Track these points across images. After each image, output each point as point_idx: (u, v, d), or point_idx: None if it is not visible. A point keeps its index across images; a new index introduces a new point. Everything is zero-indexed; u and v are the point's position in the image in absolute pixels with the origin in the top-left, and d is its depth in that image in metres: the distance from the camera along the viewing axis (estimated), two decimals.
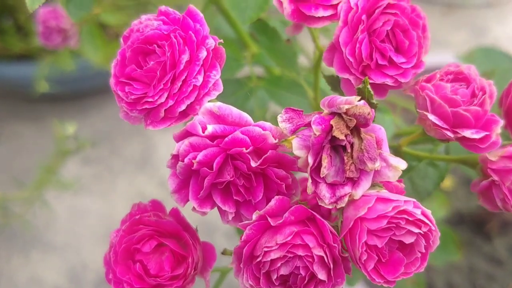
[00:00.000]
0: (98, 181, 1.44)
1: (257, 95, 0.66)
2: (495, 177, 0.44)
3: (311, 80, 0.66)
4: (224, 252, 0.48)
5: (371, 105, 0.40)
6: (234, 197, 0.40)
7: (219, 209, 0.41)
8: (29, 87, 1.32)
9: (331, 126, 0.37)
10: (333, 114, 0.38)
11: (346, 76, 0.43)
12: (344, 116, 0.37)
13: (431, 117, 0.41)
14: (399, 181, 0.43)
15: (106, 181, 1.45)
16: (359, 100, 0.37)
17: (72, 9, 0.55)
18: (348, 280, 0.71)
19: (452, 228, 1.15)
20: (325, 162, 0.37)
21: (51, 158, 1.31)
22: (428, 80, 0.43)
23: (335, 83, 0.47)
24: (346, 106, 0.37)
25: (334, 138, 0.37)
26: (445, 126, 0.41)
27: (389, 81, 0.43)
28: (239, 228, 0.41)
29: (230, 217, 0.40)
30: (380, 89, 0.44)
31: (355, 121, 0.37)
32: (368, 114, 0.37)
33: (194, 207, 0.40)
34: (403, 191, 0.42)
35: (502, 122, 0.42)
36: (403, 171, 0.49)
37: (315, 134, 0.36)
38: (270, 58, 0.60)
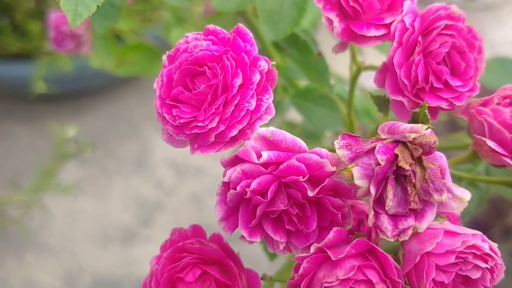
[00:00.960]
0: (93, 182, 1.42)
1: (284, 106, 0.64)
2: None
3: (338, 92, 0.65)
4: (263, 278, 0.46)
5: (427, 129, 0.39)
6: (286, 227, 0.38)
7: (268, 238, 0.39)
8: (25, 87, 1.29)
9: (396, 156, 0.35)
10: (396, 142, 0.36)
11: (399, 98, 0.42)
12: (409, 145, 0.35)
13: (490, 143, 0.40)
14: None
15: (101, 182, 1.43)
16: (426, 129, 0.35)
17: (97, 19, 0.52)
18: None
19: None
20: (390, 194, 0.35)
21: (50, 161, 1.29)
22: (484, 104, 0.42)
23: (382, 104, 0.45)
24: (413, 135, 0.35)
25: (398, 168, 0.35)
26: (504, 152, 0.40)
27: (444, 104, 0.41)
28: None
29: (281, 247, 0.39)
30: (433, 111, 0.43)
31: (421, 150, 0.35)
32: (434, 143, 0.35)
33: (242, 236, 0.38)
34: (458, 218, 0.40)
35: None
36: None
37: (380, 164, 0.35)
38: (301, 71, 0.59)
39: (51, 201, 1.32)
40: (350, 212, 0.39)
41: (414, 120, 0.39)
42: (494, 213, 1.18)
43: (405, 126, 0.36)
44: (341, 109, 0.57)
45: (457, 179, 0.51)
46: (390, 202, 0.35)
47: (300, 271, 0.36)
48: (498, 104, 0.41)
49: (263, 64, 0.38)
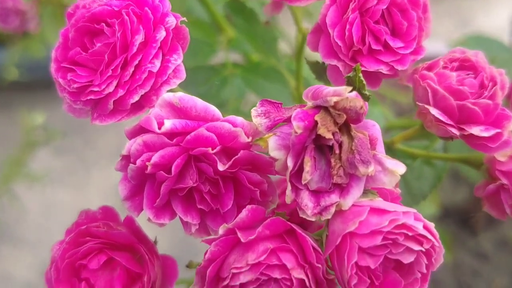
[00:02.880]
0: (71, 173, 1.38)
1: (234, 84, 0.59)
2: (504, 180, 0.38)
3: (294, 68, 0.60)
4: (189, 265, 0.41)
5: (363, 96, 0.34)
6: (198, 206, 0.33)
7: (181, 219, 0.34)
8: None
9: (316, 123, 0.30)
10: (318, 107, 0.31)
11: (334, 62, 0.37)
12: (331, 110, 0.30)
13: (434, 111, 0.35)
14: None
15: (79, 173, 1.39)
16: (350, 91, 0.30)
17: None
18: None
19: (437, 222, 1.10)
20: (307, 166, 0.30)
21: (19, 149, 1.25)
22: (429, 68, 0.37)
23: (320, 71, 0.40)
24: (335, 99, 0.30)
25: (319, 137, 0.30)
26: (449, 122, 0.35)
27: (383, 69, 0.37)
28: None
29: (193, 229, 0.34)
30: (373, 78, 0.38)
31: (344, 116, 0.30)
32: (361, 108, 0.30)
33: (149, 218, 0.33)
34: (399, 197, 0.36)
35: None
36: None
37: (296, 132, 0.30)
38: (247, 42, 0.54)
39: (27, 192, 1.28)
40: (274, 188, 0.34)
41: (349, 86, 0.34)
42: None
43: (329, 89, 0.31)
44: (289, 83, 0.52)
45: (411, 157, 0.47)
46: (308, 175, 0.30)
47: (207, 255, 0.31)
48: (445, 67, 0.36)
49: (171, 20, 0.33)
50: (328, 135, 0.30)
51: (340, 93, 0.30)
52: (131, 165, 0.32)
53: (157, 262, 0.36)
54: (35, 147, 1.24)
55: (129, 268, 0.35)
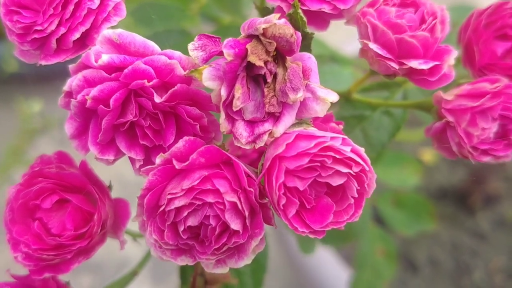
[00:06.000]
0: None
1: None
2: (450, 118, 0.38)
3: None
4: None
5: (306, 35, 0.34)
6: (141, 142, 0.34)
7: (129, 157, 0.35)
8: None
9: (247, 51, 0.31)
10: (250, 37, 0.32)
11: (278, 3, 0.37)
12: (262, 38, 0.31)
13: (373, 46, 0.36)
14: (338, 123, 0.37)
15: None
16: (279, 18, 0.31)
17: None
18: (304, 247, 0.65)
19: (435, 202, 1.11)
20: (238, 93, 0.31)
21: (18, 137, 1.26)
22: (370, 5, 0.37)
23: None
24: (263, 26, 0.31)
25: (251, 66, 0.31)
26: (388, 56, 0.35)
27: (326, 8, 0.37)
28: None
29: (137, 165, 0.35)
30: (319, 18, 0.38)
31: (275, 44, 0.31)
32: (291, 36, 0.31)
33: (95, 156, 0.34)
34: (341, 133, 0.36)
35: (456, 53, 0.37)
36: (354, 121, 0.43)
37: (227, 60, 0.31)
38: (213, 2, 0.54)
39: None
40: (217, 124, 0.35)
41: (291, 25, 0.35)
42: (474, 180, 1.14)
43: (260, 19, 0.32)
44: None
45: (371, 109, 0.47)
46: (238, 102, 0.31)
47: (145, 184, 0.32)
48: (386, 4, 0.37)
49: None
50: (259, 63, 0.31)
51: (269, 20, 0.31)
52: (73, 101, 0.33)
53: (108, 202, 0.37)
54: (34, 135, 1.26)
55: (81, 207, 0.37)
